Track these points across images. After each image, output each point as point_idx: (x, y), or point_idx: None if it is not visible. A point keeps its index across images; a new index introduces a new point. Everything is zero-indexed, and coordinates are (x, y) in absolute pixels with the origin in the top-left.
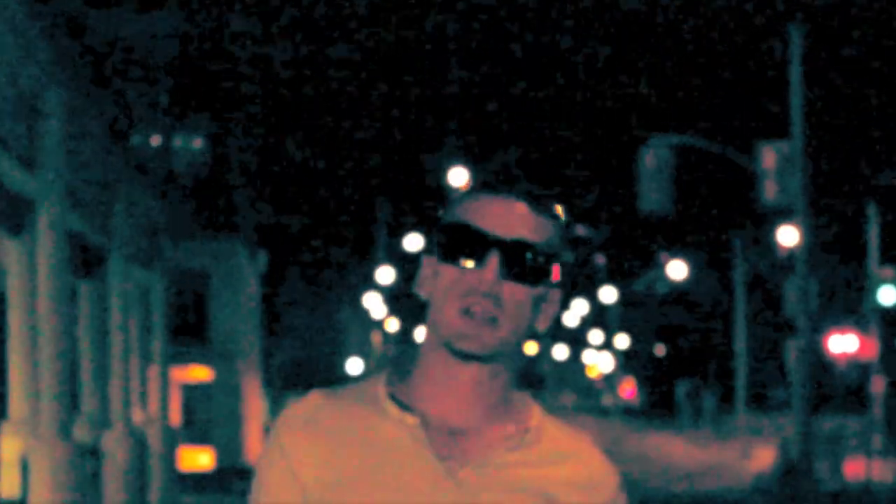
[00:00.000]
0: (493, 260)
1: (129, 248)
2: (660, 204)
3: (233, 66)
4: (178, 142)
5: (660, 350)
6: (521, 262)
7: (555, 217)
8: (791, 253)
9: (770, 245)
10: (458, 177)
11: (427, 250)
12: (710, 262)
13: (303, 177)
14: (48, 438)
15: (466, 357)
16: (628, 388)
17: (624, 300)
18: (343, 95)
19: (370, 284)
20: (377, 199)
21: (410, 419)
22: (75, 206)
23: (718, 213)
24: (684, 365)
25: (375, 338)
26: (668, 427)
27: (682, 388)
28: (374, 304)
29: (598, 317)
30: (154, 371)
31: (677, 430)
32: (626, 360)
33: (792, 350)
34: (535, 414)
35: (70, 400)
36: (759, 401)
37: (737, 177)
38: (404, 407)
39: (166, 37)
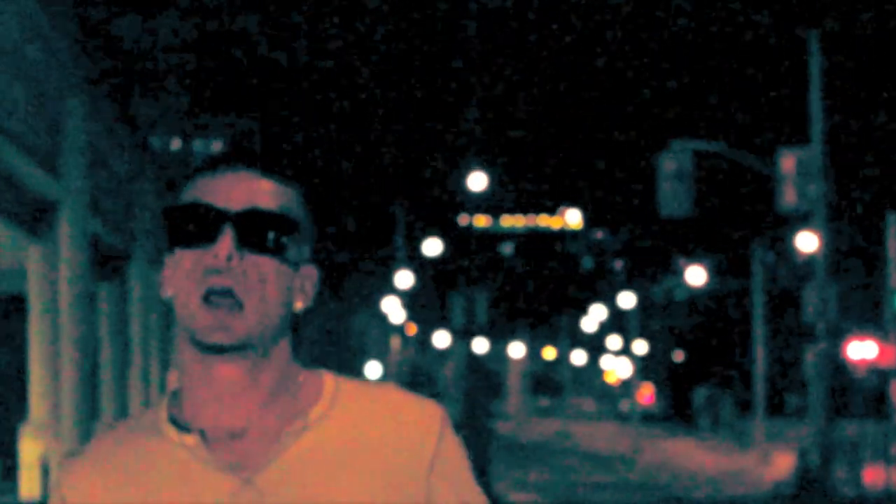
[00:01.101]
0: (227, 232)
1: (149, 251)
2: (679, 209)
3: (248, 70)
4: (197, 144)
5: (678, 355)
6: (258, 232)
7: (290, 184)
8: (810, 258)
9: (789, 251)
10: (477, 181)
11: (167, 249)
12: (728, 267)
13: (322, 180)
14: (68, 440)
15: (218, 350)
16: (646, 394)
17: (642, 305)
18: (362, 100)
19: (389, 289)
20: (395, 204)
21: (189, 440)
22: (96, 210)
23: (737, 218)
24: (703, 370)
25: (394, 342)
26: (686, 433)
27: (700, 394)
28: (392, 308)
29: (617, 322)
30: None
31: (696, 436)
32: (645, 366)
33: (811, 356)
34: (328, 386)
35: (90, 402)
36: (777, 407)
37: (756, 182)
38: (182, 428)
39: (184, 41)
